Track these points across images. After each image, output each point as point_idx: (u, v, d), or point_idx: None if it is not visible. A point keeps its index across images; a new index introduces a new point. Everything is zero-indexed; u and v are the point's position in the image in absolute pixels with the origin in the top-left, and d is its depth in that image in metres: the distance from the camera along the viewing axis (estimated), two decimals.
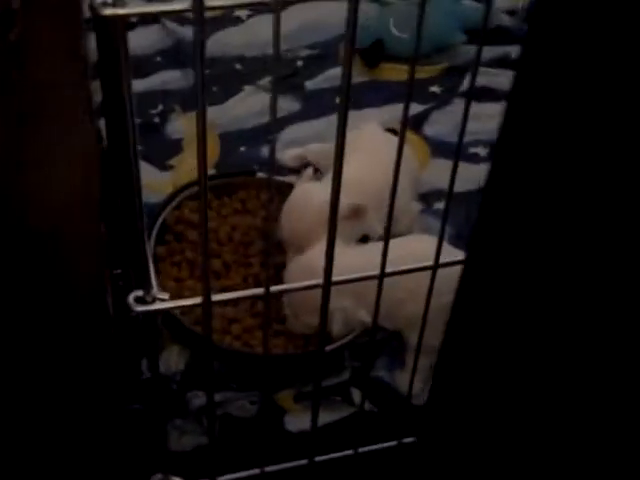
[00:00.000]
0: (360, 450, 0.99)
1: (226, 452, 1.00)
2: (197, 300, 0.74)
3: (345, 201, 1.07)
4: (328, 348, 1.01)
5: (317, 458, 0.97)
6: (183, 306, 0.81)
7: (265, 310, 0.79)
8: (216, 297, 0.74)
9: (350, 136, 0.82)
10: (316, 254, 1.05)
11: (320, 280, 0.78)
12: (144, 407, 0.98)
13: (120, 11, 0.57)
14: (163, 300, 0.74)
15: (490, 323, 0.53)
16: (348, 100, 0.64)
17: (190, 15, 0.76)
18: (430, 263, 0.83)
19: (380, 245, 1.10)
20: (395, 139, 0.82)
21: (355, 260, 0.98)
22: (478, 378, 0.56)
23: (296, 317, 1.05)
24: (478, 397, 0.57)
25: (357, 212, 1.08)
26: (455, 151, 1.44)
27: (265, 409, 0.94)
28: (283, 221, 1.10)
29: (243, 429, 1.03)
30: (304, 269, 1.02)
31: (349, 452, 0.99)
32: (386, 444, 1.00)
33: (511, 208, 0.46)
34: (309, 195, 1.10)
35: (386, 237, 0.78)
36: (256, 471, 0.95)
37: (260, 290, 0.76)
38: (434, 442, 0.58)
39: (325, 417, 1.04)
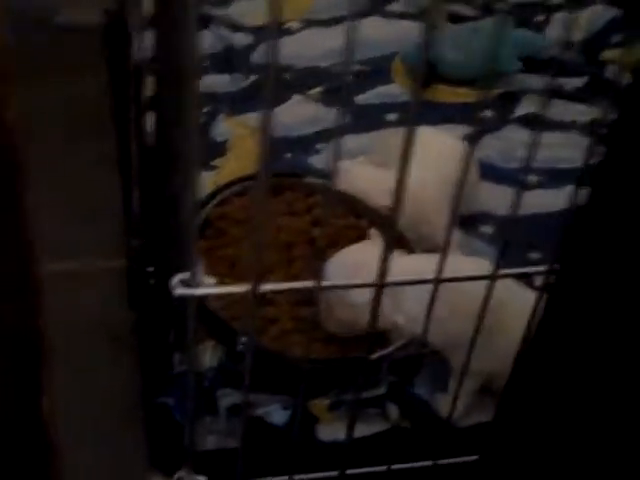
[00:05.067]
0: (394, 467, 0.95)
1: (254, 456, 0.96)
2: (246, 287, 0.71)
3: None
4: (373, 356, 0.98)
5: (349, 471, 0.94)
6: (229, 294, 0.78)
7: (313, 306, 0.75)
8: (265, 287, 0.71)
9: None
10: (358, 250, 1.03)
11: (372, 279, 0.74)
12: (175, 401, 0.96)
13: None
14: (209, 285, 0.71)
15: (570, 349, 0.50)
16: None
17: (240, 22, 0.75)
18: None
19: (426, 256, 1.08)
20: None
21: (400, 265, 0.95)
22: (550, 402, 0.53)
23: (330, 313, 1.02)
24: (548, 421, 0.53)
25: None
26: (505, 176, 1.43)
27: (298, 415, 0.91)
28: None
29: (273, 434, 0.99)
30: (344, 264, 0.99)
31: (382, 468, 0.95)
32: (420, 463, 0.96)
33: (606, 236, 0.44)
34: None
35: (448, 233, 0.74)
36: (284, 478, 0.92)
37: (311, 283, 0.73)
38: (498, 462, 0.55)
39: (359, 430, 1.00)
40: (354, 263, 0.97)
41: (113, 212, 1.55)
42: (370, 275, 0.83)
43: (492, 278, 0.78)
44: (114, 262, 1.47)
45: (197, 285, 0.70)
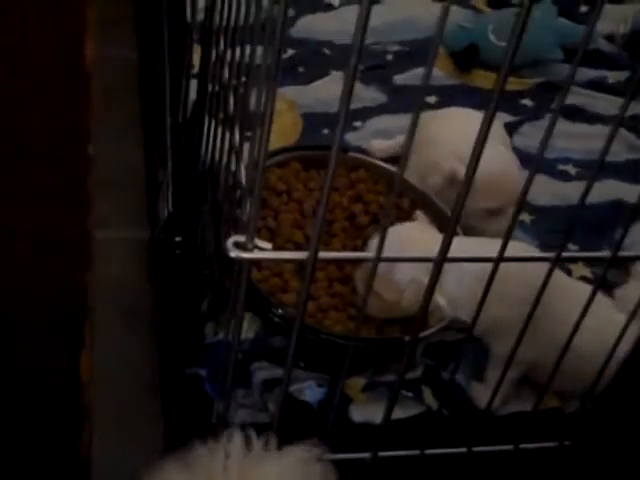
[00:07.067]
0: (427, 452, 0.92)
1: (283, 433, 0.94)
2: (302, 255, 0.68)
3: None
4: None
5: (381, 453, 0.91)
6: (286, 260, 0.75)
7: (370, 278, 0.73)
8: (323, 254, 0.69)
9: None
10: (405, 228, 1.00)
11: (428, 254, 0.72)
12: (207, 373, 0.93)
13: None
14: (265, 249, 0.69)
15: None
16: None
17: None
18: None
19: (472, 238, 1.05)
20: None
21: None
22: None
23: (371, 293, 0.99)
24: None
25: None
26: (540, 165, 1.40)
27: (337, 393, 0.88)
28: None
29: (305, 411, 0.96)
30: (392, 241, 0.96)
31: (415, 452, 0.92)
32: (455, 449, 0.94)
33: None
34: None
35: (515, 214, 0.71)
36: None
37: (370, 254, 0.70)
38: (592, 448, 0.52)
39: (393, 412, 0.97)
40: (402, 240, 0.94)
41: (135, 182, 1.52)
42: (419, 253, 0.80)
43: (555, 261, 0.75)
44: (133, 232, 1.44)
45: (252, 248, 0.67)
